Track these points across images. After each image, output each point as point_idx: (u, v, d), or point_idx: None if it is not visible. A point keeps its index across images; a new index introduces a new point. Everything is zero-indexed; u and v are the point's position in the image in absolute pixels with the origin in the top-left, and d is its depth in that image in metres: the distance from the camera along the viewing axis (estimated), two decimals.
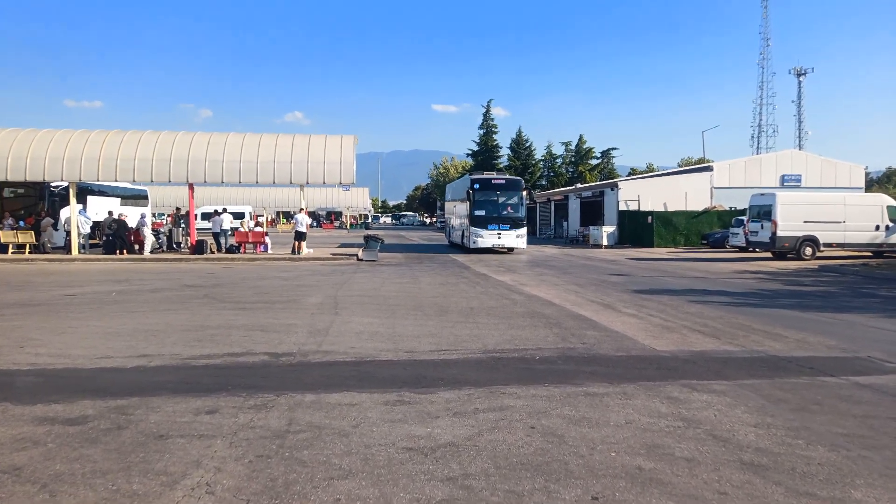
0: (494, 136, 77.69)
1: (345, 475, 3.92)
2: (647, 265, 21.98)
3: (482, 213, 27.56)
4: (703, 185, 39.18)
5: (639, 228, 35.26)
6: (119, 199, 29.92)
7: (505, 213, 27.84)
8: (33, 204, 26.91)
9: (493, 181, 28.40)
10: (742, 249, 28.91)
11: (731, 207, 35.83)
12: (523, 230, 27.79)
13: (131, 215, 28.85)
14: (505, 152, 77.01)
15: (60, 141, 23.50)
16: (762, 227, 24.45)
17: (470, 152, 78.07)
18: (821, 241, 23.69)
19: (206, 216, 41.01)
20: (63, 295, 13.04)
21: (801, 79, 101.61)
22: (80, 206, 24.87)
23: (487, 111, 78.36)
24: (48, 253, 24.01)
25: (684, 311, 11.14)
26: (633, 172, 77.77)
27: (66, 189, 24.60)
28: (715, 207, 36.49)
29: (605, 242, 34.91)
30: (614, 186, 40.45)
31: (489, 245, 27.18)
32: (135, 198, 32.87)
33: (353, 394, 5.74)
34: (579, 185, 54.32)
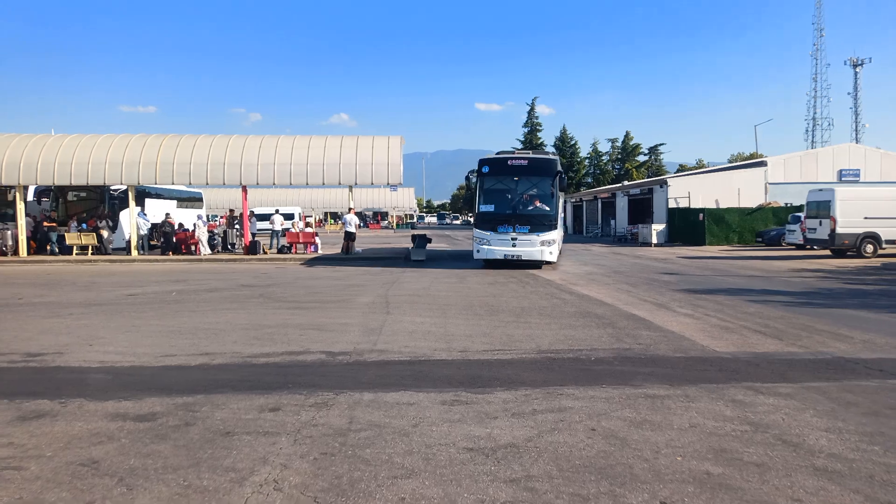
0: (539, 134, 77.14)
1: (408, 474, 3.95)
2: (699, 264, 21.46)
3: (490, 208, 19.24)
4: (756, 180, 38.02)
5: (690, 226, 34.46)
6: (175, 202, 30.87)
7: (524, 207, 19.05)
8: (95, 207, 27.98)
9: (509, 162, 19.57)
10: (799, 247, 27.94)
11: (786, 204, 34.68)
12: (554, 234, 18.88)
13: (187, 217, 29.78)
14: (550, 150, 76.36)
15: (119, 146, 24.38)
16: (820, 224, 23.58)
17: (514, 151, 77.87)
18: (882, 239, 22.70)
19: (259, 217, 42.04)
20: (125, 295, 13.54)
21: (857, 69, 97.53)
22: (139, 209, 25.77)
23: (532, 109, 77.85)
24: (109, 254, 24.94)
25: (743, 310, 10.83)
26: (682, 169, 76.09)
27: (125, 192, 25.49)
28: (769, 204, 35.38)
29: (654, 241, 34.25)
30: (663, 183, 39.62)
31: (499, 255, 18.88)
32: (190, 200, 33.88)
33: (411, 393, 5.77)
34: (626, 183, 53.46)
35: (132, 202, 24.87)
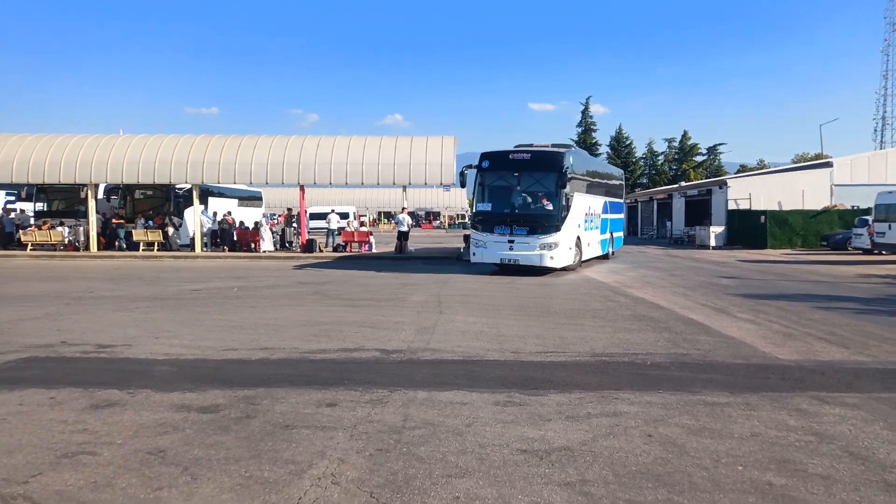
0: (593, 134, 75.99)
1: (462, 473, 3.98)
2: (760, 268, 20.77)
3: (486, 207, 17.64)
4: (821, 182, 36.49)
5: (750, 229, 33.35)
6: (237, 201, 31.84)
7: (524, 206, 17.35)
8: (161, 205, 29.12)
9: (510, 156, 17.66)
10: (866, 252, 26.65)
11: (853, 206, 33.17)
12: (559, 236, 16.90)
13: (247, 216, 30.69)
14: (604, 150, 75.14)
15: (184, 146, 25.31)
16: (889, 228, 22.51)
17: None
18: None
19: (315, 216, 42.96)
20: (190, 290, 14.05)
21: None
22: (203, 207, 26.70)
23: (586, 108, 76.76)
24: (175, 250, 25.92)
25: (807, 317, 10.44)
26: (742, 169, 73.69)
27: (190, 191, 26.44)
28: (835, 206, 33.91)
29: (712, 243, 33.29)
30: (722, 184, 38.48)
31: (495, 259, 17.43)
32: (250, 199, 34.88)
33: (464, 392, 5.81)
34: (683, 184, 52.14)
35: (196, 200, 25.79)
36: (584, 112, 76.93)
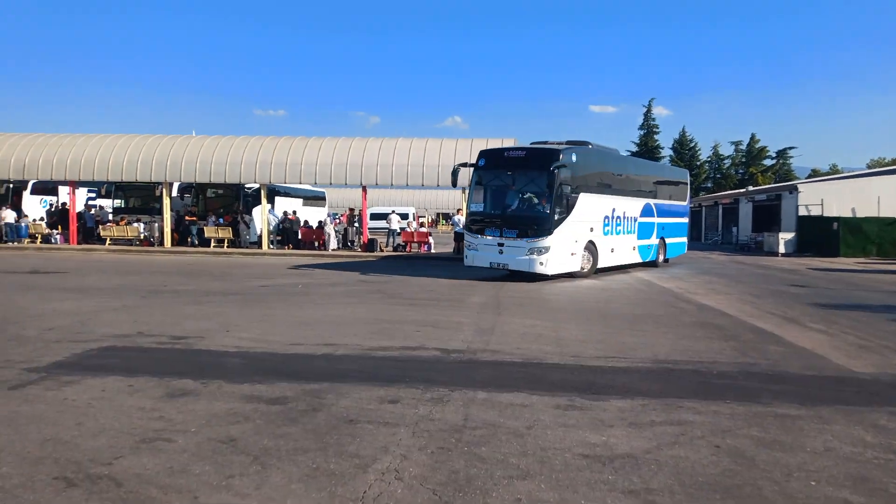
0: (655, 137, 74.19)
1: (523, 476, 3.99)
2: (832, 276, 19.85)
3: (479, 208, 16.99)
4: None
5: (821, 236, 31.87)
6: (301, 200, 32.68)
7: (514, 208, 16.40)
8: (230, 203, 30.18)
9: (505, 154, 16.93)
10: None
11: None
12: (550, 240, 15.63)
13: (312, 215, 31.48)
14: (667, 153, 73.27)
15: (253, 147, 26.18)
16: None
17: (628, 153, 75.23)
18: None
19: (375, 217, 43.66)
20: (257, 286, 14.53)
21: None
22: (269, 206, 27.55)
23: (648, 110, 75.00)
24: (245, 247, 26.85)
25: (884, 329, 9.94)
26: (813, 174, 70.41)
27: (258, 190, 27.32)
28: None
29: (781, 250, 31.99)
30: (793, 189, 36.91)
31: (485, 263, 16.52)
32: (314, 199, 35.75)
33: (524, 395, 5.81)
34: (751, 188, 50.25)
35: (264, 200, 26.66)
36: (647, 114, 75.22)
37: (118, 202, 31.07)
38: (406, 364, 7.02)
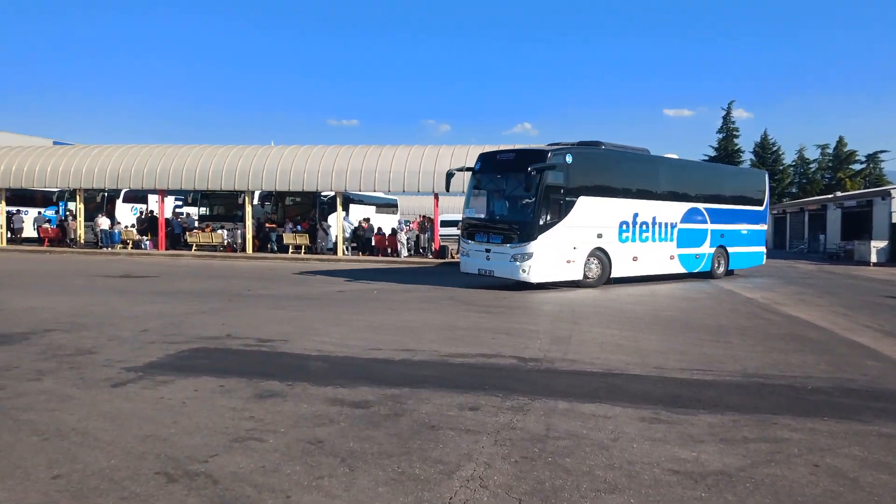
0: (735, 141, 71.30)
1: (611, 489, 3.90)
2: None
3: (471, 213, 16.78)
4: None
5: None
6: (374, 207, 33.34)
7: (500, 212, 16.07)
8: (307, 211, 31.14)
9: (497, 157, 16.56)
10: None
11: None
12: (534, 246, 14.95)
13: (385, 222, 32.05)
14: (747, 157, 70.29)
15: (329, 156, 26.94)
16: None
17: (707, 158, 72.75)
18: None
19: (446, 224, 43.93)
20: (335, 291, 14.89)
21: None
22: (344, 213, 28.24)
23: (727, 114, 72.20)
24: (322, 253, 27.63)
25: None
26: None
27: (333, 198, 28.05)
28: None
29: (873, 259, 30.08)
30: (886, 195, 34.64)
31: (474, 270, 16.21)
32: (387, 206, 36.39)
33: (607, 406, 5.69)
34: (839, 194, 47.55)
35: (339, 207, 27.37)
36: (726, 117, 72.47)
37: (203, 210, 32.63)
38: (483, 371, 7.01)
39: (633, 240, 17.28)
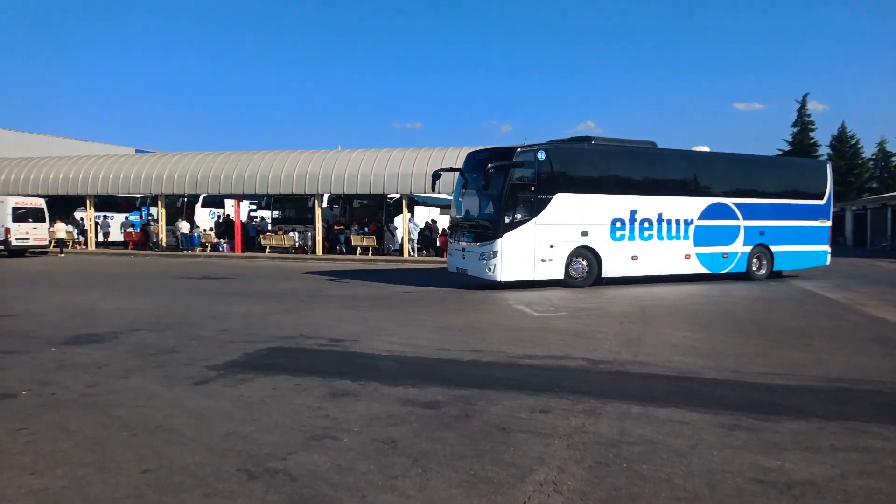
0: (811, 134, 67.69)
1: (691, 499, 3.79)
2: None
3: (454, 212, 17.32)
4: None
5: None
6: (439, 209, 33.56)
7: (472, 211, 16.13)
8: (374, 213, 31.67)
9: (477, 156, 16.43)
10: None
11: None
12: (499, 244, 14.75)
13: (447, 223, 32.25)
14: (824, 151, 66.64)
15: (395, 159, 27.31)
16: None
17: (780, 153, 69.42)
18: None
19: None
20: (402, 291, 15.08)
21: None
22: (410, 215, 28.57)
23: (802, 106, 68.61)
24: (388, 254, 28.07)
25: None
26: None
27: (399, 200, 28.41)
28: None
29: None
30: None
31: (453, 269, 16.57)
32: (450, 207, 36.56)
33: (683, 411, 5.53)
34: None
35: (405, 209, 27.72)
36: (801, 110, 68.91)
37: (276, 213, 33.70)
38: (553, 373, 6.95)
39: (632, 237, 16.49)
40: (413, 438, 4.81)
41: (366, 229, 29.10)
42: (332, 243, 29.87)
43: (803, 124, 68.72)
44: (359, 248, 28.16)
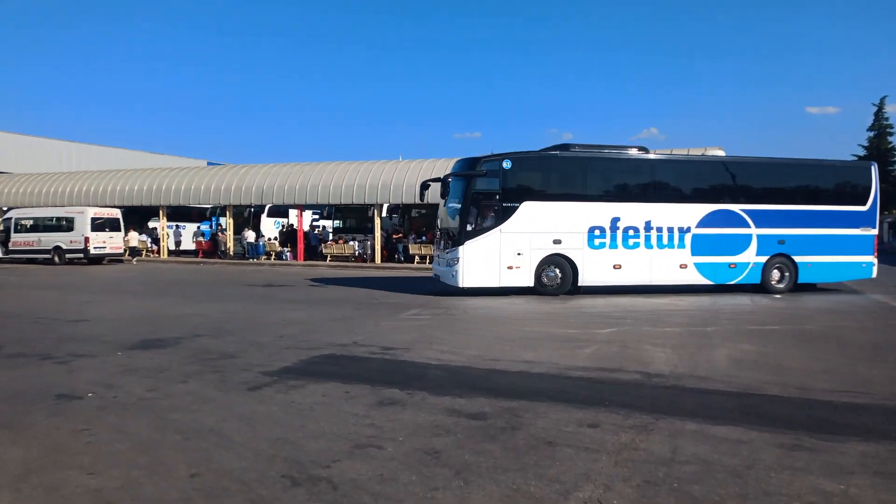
0: (888, 139, 63.99)
1: None
2: None
3: (438, 220, 18.07)
4: None
5: None
6: None
7: (445, 220, 16.82)
8: (431, 222, 31.83)
9: (455, 166, 17.10)
10: None
11: None
12: (461, 250, 15.18)
13: None
14: None
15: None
16: None
17: (855, 157, 65.86)
18: None
19: None
20: (456, 299, 15.07)
21: None
22: None
23: (879, 109, 64.74)
24: None
25: None
26: None
27: None
28: None
29: None
30: None
31: (434, 275, 17.46)
32: None
33: (741, 429, 5.27)
34: None
35: None
36: (878, 114, 65.12)
37: (337, 223, 34.39)
38: (604, 386, 6.77)
39: (614, 246, 16.11)
40: (456, 449, 4.76)
41: (423, 238, 29.29)
42: (391, 252, 30.22)
43: (880, 128, 65.08)
44: (416, 257, 28.37)
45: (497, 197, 15.47)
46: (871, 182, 17.49)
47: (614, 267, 16.16)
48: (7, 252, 29.89)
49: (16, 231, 29.88)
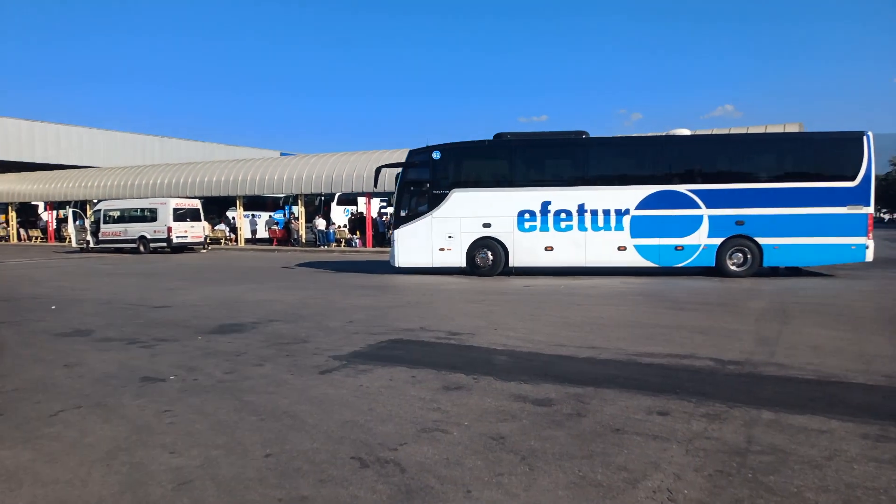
0: None
1: None
2: None
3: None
4: None
5: None
6: None
7: (393, 208, 19.02)
8: None
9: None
10: None
11: None
12: (396, 234, 17.72)
13: None
14: None
15: None
16: None
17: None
18: None
19: None
20: (522, 286, 15.02)
21: None
22: None
23: None
24: None
25: None
26: None
27: None
28: None
29: None
30: None
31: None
32: None
33: (821, 419, 5.03)
34: None
35: None
36: None
37: None
38: (675, 373, 6.60)
39: (545, 228, 16.86)
40: (522, 435, 4.76)
41: None
42: None
43: None
44: None
45: (428, 185, 17.27)
46: (863, 155, 15.74)
47: (546, 249, 16.97)
48: (98, 242, 31.84)
49: (105, 222, 31.78)
